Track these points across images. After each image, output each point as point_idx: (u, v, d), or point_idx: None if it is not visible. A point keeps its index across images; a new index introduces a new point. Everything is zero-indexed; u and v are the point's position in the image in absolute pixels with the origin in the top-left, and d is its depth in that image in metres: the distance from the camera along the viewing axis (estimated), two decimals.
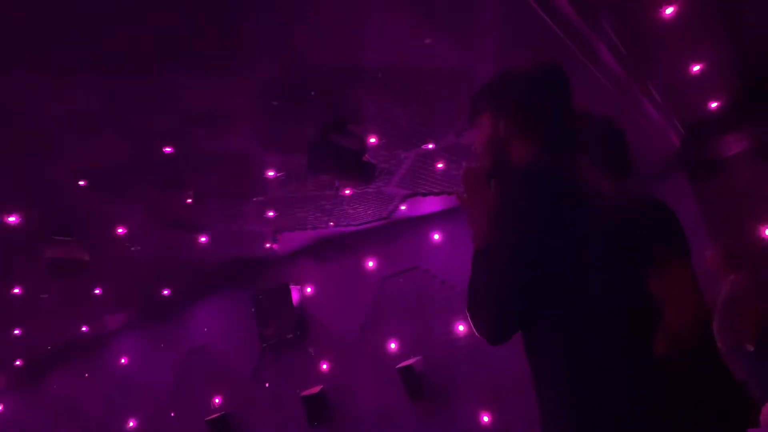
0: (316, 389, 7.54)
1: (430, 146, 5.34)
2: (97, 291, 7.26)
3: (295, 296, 7.83)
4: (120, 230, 5.78)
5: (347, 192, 5.95)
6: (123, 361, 9.08)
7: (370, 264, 7.59)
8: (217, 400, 8.27)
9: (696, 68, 5.07)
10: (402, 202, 6.69)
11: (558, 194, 1.35)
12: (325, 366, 7.67)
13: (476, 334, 1.37)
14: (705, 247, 5.15)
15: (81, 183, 4.73)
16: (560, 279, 1.31)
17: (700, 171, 6.24)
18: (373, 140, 5.00)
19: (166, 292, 8.13)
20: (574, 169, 1.45)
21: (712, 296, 4.67)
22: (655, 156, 5.97)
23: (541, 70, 1.55)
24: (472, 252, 1.44)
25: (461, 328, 6.92)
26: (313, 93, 4.12)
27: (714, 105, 5.88)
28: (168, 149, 4.53)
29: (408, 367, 6.88)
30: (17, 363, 9.23)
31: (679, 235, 1.70)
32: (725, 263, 4.78)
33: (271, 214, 6.30)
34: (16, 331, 7.88)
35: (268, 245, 7.34)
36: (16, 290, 6.48)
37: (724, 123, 6.09)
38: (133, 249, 6.26)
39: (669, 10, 4.17)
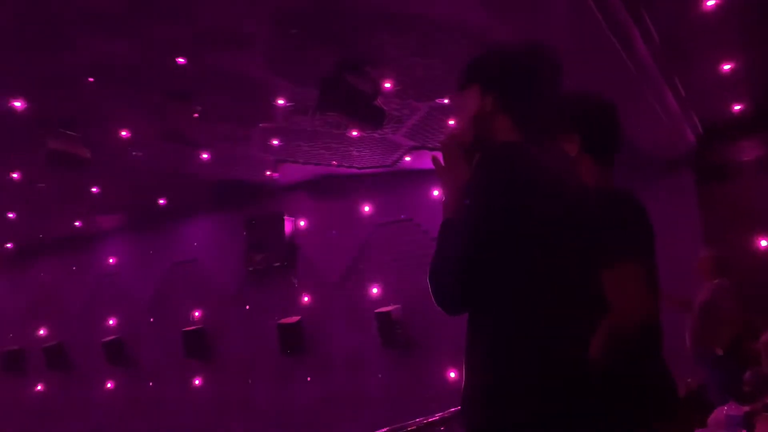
0: (293, 319, 7.73)
1: (445, 101, 5.30)
2: (94, 189, 7.33)
3: (288, 227, 7.91)
4: (124, 133, 5.81)
5: (354, 134, 5.95)
6: (111, 261, 9.25)
7: (366, 209, 7.64)
8: (196, 314, 8.49)
9: (726, 67, 5.00)
10: (408, 153, 6.70)
11: (530, 177, 1.37)
12: (306, 299, 7.79)
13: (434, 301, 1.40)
14: (697, 248, 5.20)
15: (90, 79, 4.73)
16: (516, 262, 1.33)
17: (708, 172, 6.20)
18: (387, 85, 4.97)
19: (161, 201, 8.17)
20: (554, 153, 1.47)
21: (692, 297, 4.70)
22: (668, 150, 5.93)
23: (534, 50, 1.54)
24: (441, 220, 1.46)
25: None
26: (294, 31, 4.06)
27: (737, 108, 5.82)
28: (181, 60, 4.51)
29: (386, 314, 7.03)
30: (8, 246, 9.48)
31: (641, 233, 1.69)
32: (712, 268, 4.78)
33: (275, 142, 6.34)
34: (11, 215, 8.03)
35: (268, 173, 7.40)
36: (15, 175, 6.57)
37: (742, 128, 6.03)
38: (134, 153, 6.30)
39: (710, 2, 4.07)
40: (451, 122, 5.75)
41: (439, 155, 1.56)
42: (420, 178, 7.21)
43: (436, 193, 7.18)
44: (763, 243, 6.08)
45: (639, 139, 5.42)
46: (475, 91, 1.53)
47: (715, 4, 4.09)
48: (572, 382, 1.29)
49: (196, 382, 8.45)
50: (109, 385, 9.06)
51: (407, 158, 6.87)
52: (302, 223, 8.03)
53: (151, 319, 8.82)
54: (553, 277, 1.35)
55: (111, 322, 9.09)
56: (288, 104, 5.37)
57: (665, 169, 6.08)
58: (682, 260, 4.53)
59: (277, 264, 7.89)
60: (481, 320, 1.38)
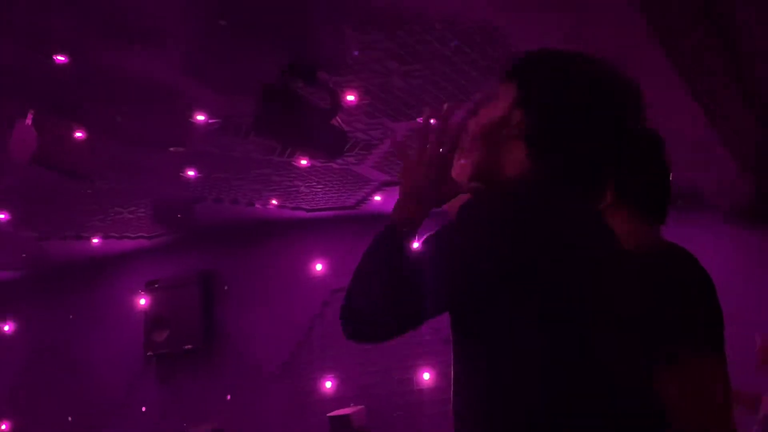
0: (209, 426, 7.57)
1: (431, 121, 5.36)
2: None
3: (206, 293, 7.90)
4: None
5: (304, 163, 5.97)
6: None
7: (318, 268, 7.70)
8: (69, 419, 8.27)
9: None
10: (378, 191, 6.75)
11: (551, 231, 1.39)
12: (229, 397, 7.74)
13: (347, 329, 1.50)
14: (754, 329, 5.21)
15: None
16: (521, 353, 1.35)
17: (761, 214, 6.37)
18: (351, 98, 5.02)
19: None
20: (574, 204, 1.50)
21: (756, 392, 4.63)
22: (735, 197, 6.10)
23: (608, 75, 1.53)
24: (388, 221, 1.53)
25: (426, 377, 7.03)
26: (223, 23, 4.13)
27: None
28: (61, 58, 4.49)
29: (344, 418, 6.89)
30: None
31: (710, 313, 1.71)
32: None
33: (191, 173, 6.31)
34: None
35: (178, 216, 7.35)
36: None
37: None
38: None
39: None
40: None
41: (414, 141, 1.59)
42: None
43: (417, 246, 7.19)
44: None
45: (701, 181, 5.56)
46: (510, 94, 1.53)
47: None
48: None
49: None
50: None
51: (377, 198, 6.95)
52: (226, 288, 8.03)
53: (4, 426, 8.56)
54: (582, 381, 1.33)
55: None
56: (211, 121, 5.38)
57: (729, 219, 6.27)
58: (746, 339, 4.57)
59: (189, 346, 7.84)
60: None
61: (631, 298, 1.47)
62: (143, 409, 8.00)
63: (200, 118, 5.34)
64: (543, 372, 1.32)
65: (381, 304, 1.42)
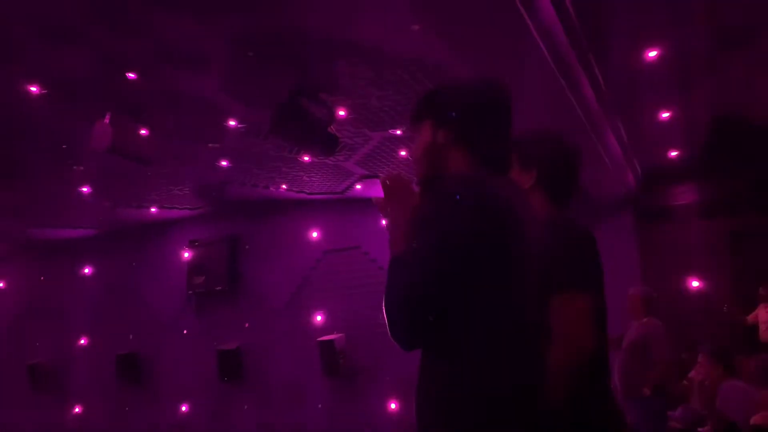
0: (232, 345, 7.57)
1: (398, 132, 5.36)
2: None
3: (232, 250, 7.81)
4: (64, 146, 5.59)
5: (306, 159, 5.93)
6: (41, 278, 8.86)
7: (314, 234, 7.62)
8: (131, 337, 8.21)
9: (665, 115, 5.24)
10: (359, 181, 6.72)
11: (483, 207, 1.34)
12: (247, 324, 7.68)
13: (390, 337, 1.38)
14: (632, 285, 5.34)
15: (33, 89, 4.56)
16: (469, 297, 1.31)
17: (647, 214, 6.49)
18: (342, 113, 4.99)
19: (100, 218, 7.96)
20: (508, 185, 1.49)
21: (620, 334, 4.69)
22: (610, 191, 6.17)
23: (485, 86, 1.56)
24: (389, 258, 1.43)
25: None
26: (250, 54, 4.08)
27: (673, 154, 6.12)
28: (131, 75, 4.41)
29: (328, 342, 6.95)
30: None
31: (591, 266, 1.70)
32: (641, 306, 4.76)
33: (224, 163, 6.24)
34: None
35: (214, 194, 7.26)
36: None
37: (679, 173, 6.34)
38: (75, 168, 6.08)
39: (653, 53, 4.31)
40: (403, 153, 5.83)
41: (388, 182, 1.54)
42: (370, 206, 7.22)
43: (384, 222, 7.21)
44: (694, 284, 6.38)
45: (583, 180, 5.61)
46: (428, 125, 1.54)
47: (657, 55, 4.34)
48: (526, 419, 1.28)
49: (127, 408, 8.12)
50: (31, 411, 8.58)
51: (358, 186, 6.88)
52: (247, 247, 7.94)
53: (82, 341, 8.49)
54: (508, 311, 1.33)
55: (37, 344, 8.64)
56: (240, 126, 5.32)
57: (607, 209, 6.32)
58: (620, 298, 4.66)
59: (219, 287, 7.77)
60: (434, 355, 1.35)
61: (541, 252, 1.46)
62: (185, 331, 7.96)
63: (232, 123, 5.28)
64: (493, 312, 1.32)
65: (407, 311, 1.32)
